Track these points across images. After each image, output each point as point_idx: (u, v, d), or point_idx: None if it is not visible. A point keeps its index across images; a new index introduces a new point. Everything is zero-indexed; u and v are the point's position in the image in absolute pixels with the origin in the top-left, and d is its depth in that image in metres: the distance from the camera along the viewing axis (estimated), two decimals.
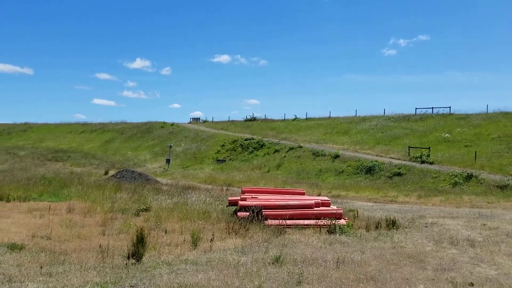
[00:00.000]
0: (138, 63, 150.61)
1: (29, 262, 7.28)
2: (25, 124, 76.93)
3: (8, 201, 15.59)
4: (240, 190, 22.75)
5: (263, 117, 60.47)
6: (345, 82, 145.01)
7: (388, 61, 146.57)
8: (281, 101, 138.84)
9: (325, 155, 34.62)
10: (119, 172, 28.39)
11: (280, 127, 51.64)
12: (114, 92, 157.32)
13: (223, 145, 45.05)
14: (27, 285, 5.89)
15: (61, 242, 9.25)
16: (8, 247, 8.43)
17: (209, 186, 26.11)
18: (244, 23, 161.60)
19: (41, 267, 6.79)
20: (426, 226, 13.04)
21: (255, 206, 12.52)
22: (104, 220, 12.18)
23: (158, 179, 28.89)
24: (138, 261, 7.52)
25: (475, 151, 30.10)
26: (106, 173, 32.11)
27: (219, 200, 17.85)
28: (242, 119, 61.90)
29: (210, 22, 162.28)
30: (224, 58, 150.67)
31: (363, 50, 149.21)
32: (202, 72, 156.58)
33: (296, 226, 11.89)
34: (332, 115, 52.82)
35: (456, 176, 25.35)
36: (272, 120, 57.79)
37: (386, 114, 47.65)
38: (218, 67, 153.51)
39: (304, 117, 54.68)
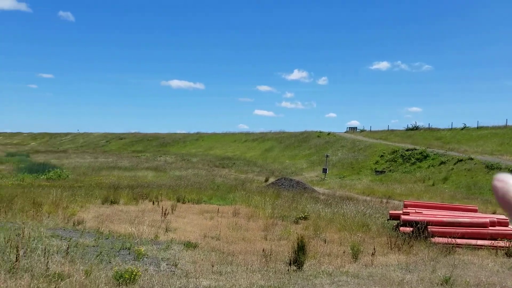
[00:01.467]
0: (296, 75, 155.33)
1: (202, 260, 7.97)
2: (197, 133, 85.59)
3: (183, 202, 17.41)
4: (402, 204, 21.58)
5: (427, 126, 56.58)
6: None
7: None
8: (447, 109, 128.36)
9: (501, 168, 30.73)
10: (278, 180, 29.50)
11: (446, 137, 47.65)
12: (273, 103, 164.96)
13: (382, 156, 43.43)
14: (201, 281, 6.44)
15: (228, 244, 9.93)
16: (184, 244, 9.37)
17: (367, 198, 25.35)
18: (404, 26, 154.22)
19: (212, 266, 7.37)
20: None
21: (420, 221, 11.69)
22: (266, 225, 12.71)
23: (315, 188, 29.18)
24: (299, 268, 7.62)
25: None
26: (266, 180, 33.66)
27: (378, 213, 17.18)
28: (403, 128, 58.84)
29: (368, 28, 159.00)
30: (383, 65, 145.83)
31: None
32: (359, 80, 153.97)
33: (468, 246, 10.73)
34: (510, 123, 46.72)
35: None
36: (437, 129, 53.65)
37: None
38: (376, 74, 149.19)
39: (475, 126, 49.46)
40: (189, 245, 9.34)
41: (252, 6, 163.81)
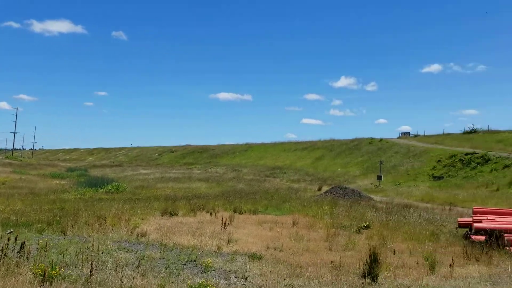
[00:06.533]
0: (343, 81, 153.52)
1: (270, 272, 7.72)
2: (246, 144, 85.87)
3: (240, 213, 17.30)
4: (466, 211, 20.46)
5: (486, 128, 53.98)
6: None
7: None
8: (507, 109, 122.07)
9: None
10: (332, 188, 28.92)
11: (508, 139, 45.08)
12: (322, 111, 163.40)
13: (439, 161, 41.67)
14: None
15: (293, 255, 9.63)
16: (249, 256, 9.18)
17: (428, 205, 24.28)
18: (454, 26, 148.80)
19: (284, 279, 7.11)
20: None
21: (495, 229, 10.91)
22: (328, 235, 12.31)
23: (371, 195, 28.32)
24: (373, 281, 7.22)
25: None
26: (319, 189, 33.09)
27: (443, 221, 16.32)
28: (460, 132, 56.51)
29: (416, 31, 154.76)
30: (435, 68, 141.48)
31: None
32: (410, 84, 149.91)
33: None
34: None
35: None
36: (498, 131, 50.95)
37: None
38: (427, 77, 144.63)
39: None
40: (254, 257, 9.13)
41: (296, 14, 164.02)
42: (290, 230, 13.18)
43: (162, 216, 15.66)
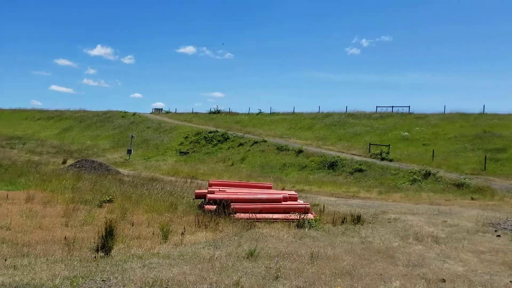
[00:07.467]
0: (99, 50, 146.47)
1: None
2: None
3: None
4: (205, 183, 22.56)
5: (227, 110, 60.27)
6: (308, 78, 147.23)
7: (351, 60, 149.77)
8: (245, 95, 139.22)
9: (289, 149, 34.88)
10: (79, 161, 27.49)
11: (244, 121, 51.58)
12: (73, 80, 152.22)
13: (186, 137, 44.53)
14: None
15: (22, 233, 8.80)
16: None
17: (173, 178, 25.75)
18: (210, 15, 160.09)
19: (5, 260, 6.41)
20: (389, 222, 13.32)
21: (225, 199, 12.40)
22: (66, 211, 11.70)
23: (119, 169, 28.21)
24: (107, 254, 7.24)
25: (433, 150, 31.13)
26: (64, 162, 31.04)
27: (184, 193, 17.59)
28: (206, 112, 61.48)
29: (176, 13, 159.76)
30: (189, 50, 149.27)
31: (327, 48, 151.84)
32: (166, 62, 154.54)
33: (265, 220, 11.86)
34: (296, 110, 53.40)
35: (415, 173, 26.16)
36: (237, 114, 57.67)
37: (348, 111, 48.57)
38: (182, 58, 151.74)
39: (269, 112, 54.92)
40: None
41: None
42: (23, 207, 11.95)
43: None
